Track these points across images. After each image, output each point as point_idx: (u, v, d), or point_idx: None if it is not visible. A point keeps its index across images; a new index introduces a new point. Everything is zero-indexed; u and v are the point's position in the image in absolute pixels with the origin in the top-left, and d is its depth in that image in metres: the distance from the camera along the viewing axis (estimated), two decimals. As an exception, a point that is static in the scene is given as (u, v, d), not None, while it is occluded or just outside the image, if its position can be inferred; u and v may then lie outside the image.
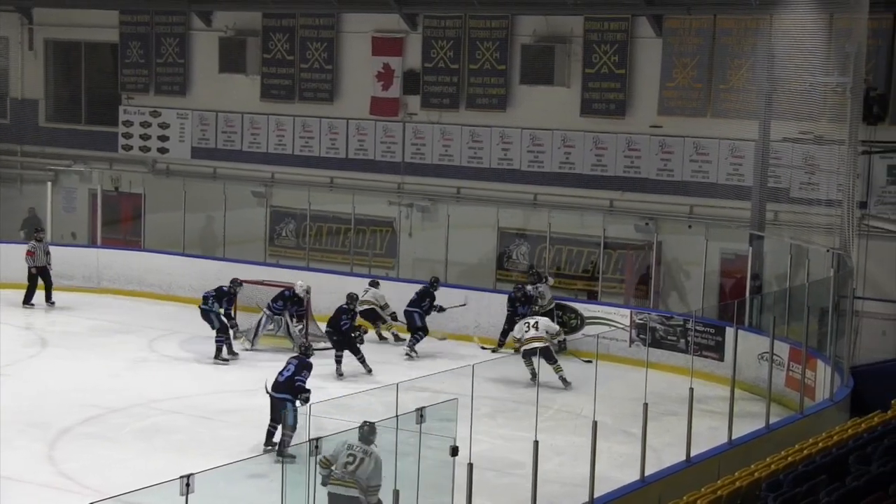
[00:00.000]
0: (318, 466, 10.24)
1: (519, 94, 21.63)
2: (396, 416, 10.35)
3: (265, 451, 13.54)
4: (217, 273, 20.89)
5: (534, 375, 16.11)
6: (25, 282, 21.61)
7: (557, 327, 17.66)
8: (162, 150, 25.16)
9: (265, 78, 23.97)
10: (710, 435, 13.38)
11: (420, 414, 10.11)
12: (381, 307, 19.42)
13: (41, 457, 13.34)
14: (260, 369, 17.65)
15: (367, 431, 10.60)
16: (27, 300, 21.50)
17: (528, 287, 19.03)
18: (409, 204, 22.30)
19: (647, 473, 11.85)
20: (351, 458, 10.41)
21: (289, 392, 13.57)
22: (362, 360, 17.38)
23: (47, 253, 21.76)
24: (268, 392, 13.68)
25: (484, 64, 21.85)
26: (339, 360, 17.36)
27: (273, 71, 23.91)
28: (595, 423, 11.20)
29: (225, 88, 24.39)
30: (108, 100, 26.02)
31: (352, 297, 17.91)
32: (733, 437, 13.19)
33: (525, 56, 21.45)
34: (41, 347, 18.60)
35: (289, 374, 13.74)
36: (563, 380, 16.66)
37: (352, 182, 22.90)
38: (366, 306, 19.19)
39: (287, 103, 23.75)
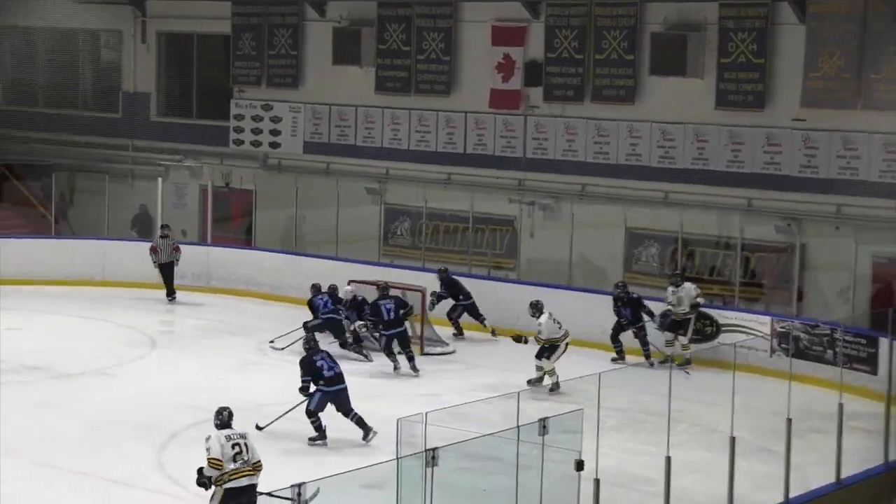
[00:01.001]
0: (204, 473, 10.80)
1: (648, 85, 21.25)
2: (518, 426, 10.19)
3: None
4: (330, 273, 20.95)
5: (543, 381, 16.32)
6: (136, 280, 22.06)
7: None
8: (273, 145, 25.34)
9: (380, 70, 23.98)
10: (863, 455, 12.89)
11: (543, 425, 9.93)
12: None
13: (150, 461, 13.47)
14: (375, 374, 17.67)
15: (227, 416, 11.24)
16: (168, 294, 22.25)
17: (671, 289, 18.60)
18: (530, 202, 22.07)
19: (791, 495, 11.48)
20: (237, 448, 10.90)
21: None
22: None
23: (175, 249, 22.21)
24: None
25: (611, 54, 21.52)
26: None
27: (388, 62, 23.90)
28: (733, 439, 10.87)
29: (338, 81, 24.47)
30: (219, 93, 26.32)
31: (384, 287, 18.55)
32: (890, 459, 12.69)
33: (655, 45, 21.06)
34: (149, 348, 18.84)
35: (339, 368, 14.65)
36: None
37: (470, 178, 22.78)
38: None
39: (403, 96, 23.72)
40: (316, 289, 19.20)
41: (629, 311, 18.43)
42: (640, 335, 18.45)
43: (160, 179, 25.14)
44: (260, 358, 18.61)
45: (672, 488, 10.60)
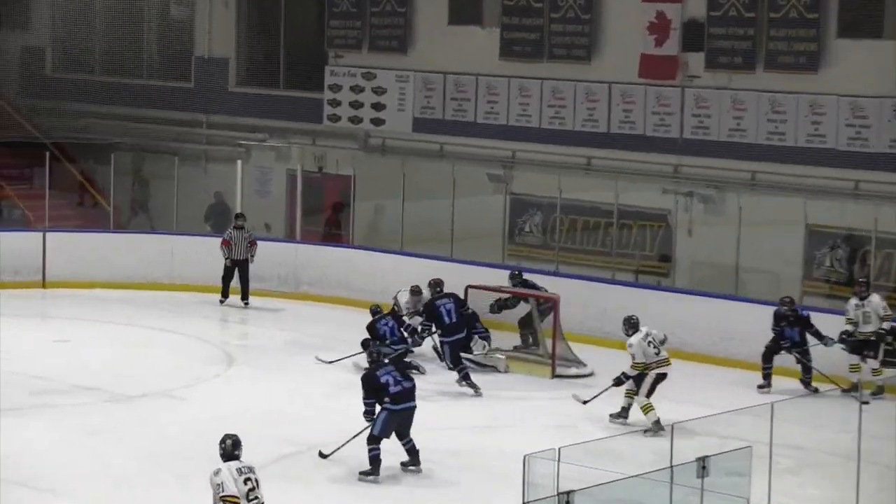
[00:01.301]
0: None
1: (835, 50, 21.05)
2: (671, 466, 10.23)
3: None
4: (441, 277, 21.11)
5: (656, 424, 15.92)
6: (210, 283, 22.63)
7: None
8: (376, 122, 25.61)
9: (506, 31, 24.10)
10: None
11: (702, 465, 9.96)
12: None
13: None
14: (493, 398, 17.79)
15: (231, 446, 11.53)
16: (223, 296, 22.77)
17: (854, 301, 18.42)
18: (688, 192, 22.03)
19: None
20: (249, 483, 11.24)
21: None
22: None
23: (251, 244, 22.67)
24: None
25: (789, 12, 21.37)
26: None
27: (516, 22, 24.02)
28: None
29: (455, 44, 24.65)
30: (311, 59, 26.64)
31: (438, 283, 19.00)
32: None
33: (844, 2, 20.87)
34: (226, 365, 19.20)
35: (409, 383, 14.86)
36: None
37: (615, 163, 22.79)
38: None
39: (533, 63, 23.82)
40: (377, 313, 19.26)
41: (796, 332, 18.32)
42: (805, 359, 18.39)
43: (240, 162, 25.58)
44: (357, 380, 18.79)
45: (862, 546, 10.56)
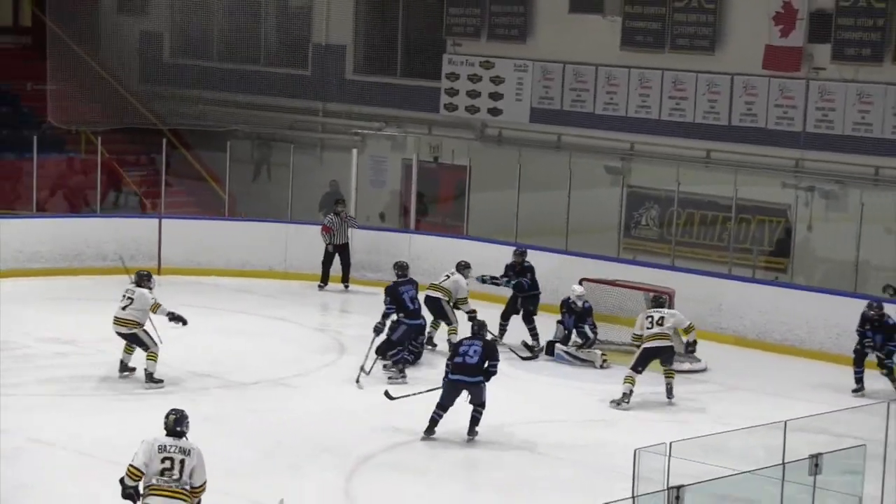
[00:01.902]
0: (123, 484, 11.04)
1: (967, 42, 20.86)
2: (783, 463, 10.32)
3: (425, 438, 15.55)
4: (557, 269, 21.33)
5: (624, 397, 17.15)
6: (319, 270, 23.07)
7: (688, 322, 17.76)
8: (494, 112, 25.75)
9: (628, 20, 24.14)
10: None
11: (815, 462, 10.05)
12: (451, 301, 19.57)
13: (335, 489, 13.99)
14: (597, 394, 17.93)
15: (173, 422, 11.28)
16: (322, 282, 23.35)
17: None
18: (809, 187, 21.94)
19: None
20: (169, 463, 11.04)
21: (481, 374, 15.61)
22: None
23: (350, 227, 23.18)
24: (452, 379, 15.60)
25: (921, 2, 21.24)
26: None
27: (638, 11, 24.05)
28: None
29: (576, 33, 24.70)
30: (429, 47, 26.82)
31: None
32: None
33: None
34: (338, 354, 19.49)
35: (478, 357, 15.59)
36: (670, 390, 17.55)
37: (735, 157, 22.75)
38: (435, 294, 19.69)
39: (654, 53, 23.84)
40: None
41: (880, 338, 18.31)
42: (887, 364, 18.40)
43: (355, 151, 25.84)
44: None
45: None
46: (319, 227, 23.67)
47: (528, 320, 20.16)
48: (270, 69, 28.67)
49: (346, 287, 23.47)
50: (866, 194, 21.03)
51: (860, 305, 18.68)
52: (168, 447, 11.16)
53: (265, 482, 14.09)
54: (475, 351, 15.67)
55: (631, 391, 17.33)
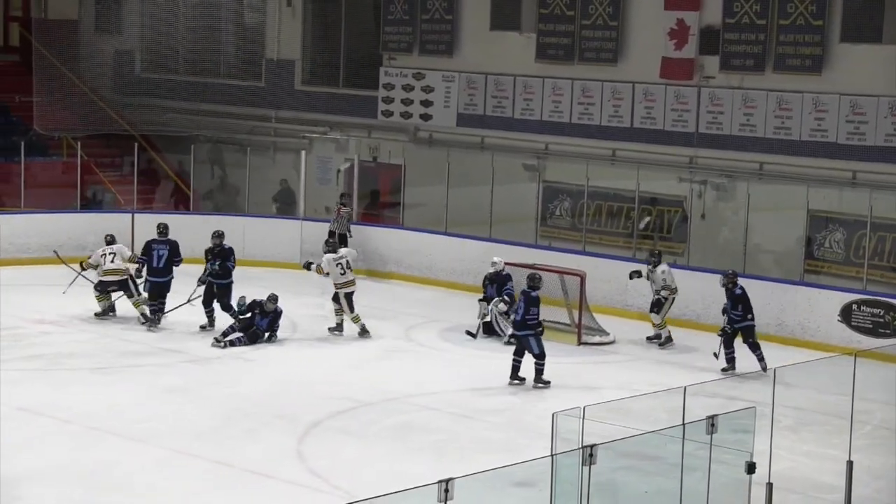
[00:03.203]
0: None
1: (838, 53, 20.83)
2: (683, 423, 10.18)
3: (511, 384, 16.43)
4: (482, 255, 21.13)
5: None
6: (276, 259, 23.06)
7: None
8: (425, 117, 25.58)
9: (541, 36, 24.00)
10: None
11: (711, 423, 9.91)
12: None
13: (289, 452, 13.79)
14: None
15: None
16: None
17: None
18: (702, 181, 21.90)
19: None
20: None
21: (526, 329, 16.37)
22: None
23: (349, 220, 23.06)
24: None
25: (797, 19, 21.16)
26: None
27: (550, 28, 23.92)
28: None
29: (496, 48, 24.57)
30: (368, 61, 26.63)
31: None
32: None
33: (848, 9, 20.65)
34: (291, 331, 19.21)
35: (521, 311, 16.41)
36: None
37: (637, 155, 22.66)
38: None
39: (565, 65, 23.70)
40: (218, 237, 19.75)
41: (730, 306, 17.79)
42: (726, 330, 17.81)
43: (304, 153, 25.63)
44: (406, 345, 18.88)
45: (853, 497, 10.47)
46: (274, 220, 23.61)
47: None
48: (229, 81, 28.45)
49: None
50: (752, 187, 20.97)
51: (749, 284, 18.56)
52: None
53: (226, 445, 13.94)
54: (518, 307, 16.69)
55: None
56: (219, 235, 19.69)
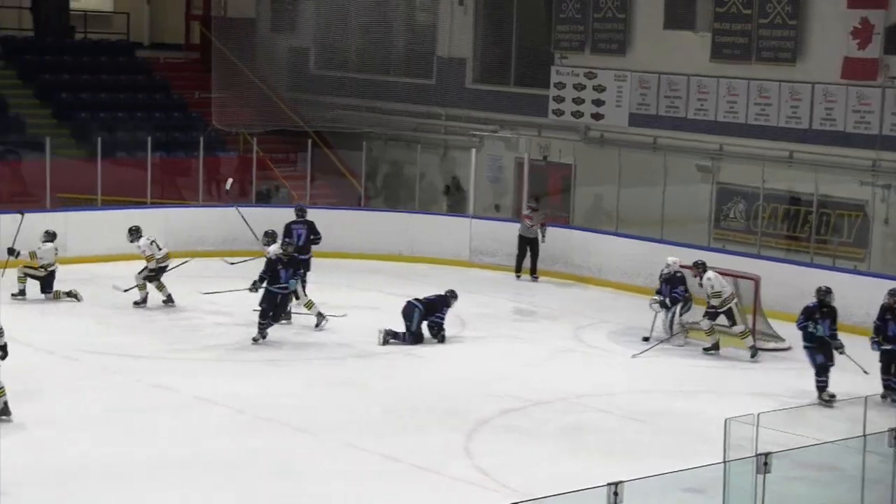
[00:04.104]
0: None
1: None
2: (864, 435, 9.90)
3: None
4: (653, 255, 20.90)
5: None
6: (445, 257, 23.19)
7: None
8: (596, 116, 25.41)
9: (717, 35, 23.63)
10: None
11: (894, 435, 9.61)
12: None
13: (457, 448, 13.77)
14: (691, 366, 17.53)
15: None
16: (517, 272, 23.04)
17: None
18: (885, 185, 21.30)
19: None
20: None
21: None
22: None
23: (542, 225, 22.86)
24: None
25: None
26: None
27: (726, 27, 23.54)
28: None
29: (670, 47, 24.28)
30: (539, 59, 26.57)
31: None
32: None
33: None
34: (460, 328, 19.24)
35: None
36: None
37: (815, 157, 22.13)
38: None
39: (741, 64, 23.28)
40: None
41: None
42: None
43: (474, 151, 25.67)
44: (575, 345, 18.77)
45: None
46: (442, 217, 23.97)
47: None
48: (399, 79, 28.65)
49: (535, 278, 23.01)
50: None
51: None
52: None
53: (394, 439, 14.00)
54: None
55: None
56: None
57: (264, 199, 26.48)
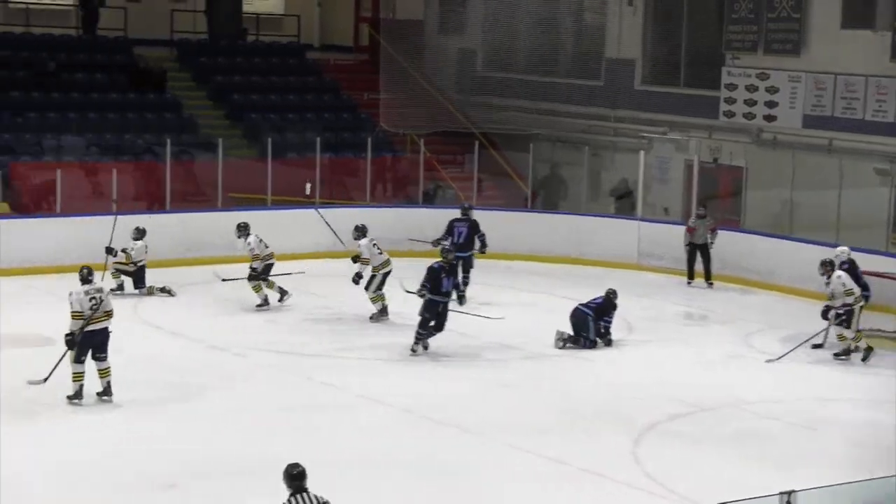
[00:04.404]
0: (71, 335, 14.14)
1: None
2: None
3: None
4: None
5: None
6: (613, 260, 23.17)
7: None
8: (769, 118, 24.95)
9: (897, 34, 23.06)
10: None
11: None
12: None
13: (625, 453, 13.64)
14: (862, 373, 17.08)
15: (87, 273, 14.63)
16: (689, 278, 22.75)
17: None
18: None
19: None
20: (94, 302, 14.26)
21: None
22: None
23: (712, 230, 22.45)
24: None
25: None
26: None
27: (907, 26, 22.96)
28: None
29: (847, 47, 23.71)
30: (710, 60, 26.21)
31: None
32: None
33: None
34: (626, 332, 19.07)
35: None
36: None
37: None
38: None
39: (923, 64, 22.69)
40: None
41: None
42: None
43: (643, 152, 25.45)
44: (745, 351, 18.44)
45: None
46: (611, 220, 23.96)
47: None
48: (567, 80, 28.51)
49: (710, 284, 22.62)
50: None
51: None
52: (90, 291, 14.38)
53: (561, 443, 13.91)
54: None
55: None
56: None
57: (429, 200, 26.64)
